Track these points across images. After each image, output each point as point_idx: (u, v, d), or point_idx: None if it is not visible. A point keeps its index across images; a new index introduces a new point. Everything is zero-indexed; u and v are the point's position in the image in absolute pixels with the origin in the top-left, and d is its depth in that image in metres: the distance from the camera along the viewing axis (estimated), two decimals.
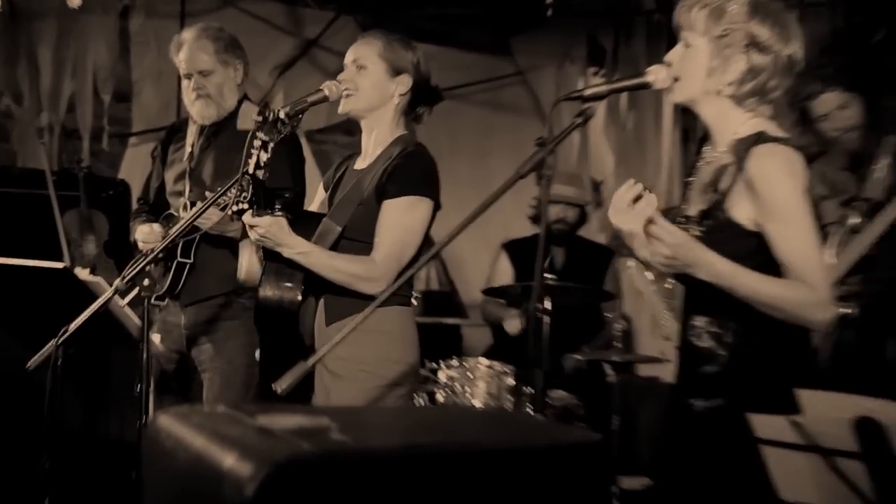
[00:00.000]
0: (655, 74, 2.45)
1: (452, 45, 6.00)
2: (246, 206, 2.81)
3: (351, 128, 6.71)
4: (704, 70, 2.42)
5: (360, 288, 2.92)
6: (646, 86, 2.47)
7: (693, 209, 2.52)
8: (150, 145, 5.89)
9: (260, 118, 2.81)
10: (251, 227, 2.86)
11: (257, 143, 2.78)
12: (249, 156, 2.78)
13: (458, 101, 6.23)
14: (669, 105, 5.90)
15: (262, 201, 2.83)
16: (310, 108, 2.98)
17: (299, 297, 2.97)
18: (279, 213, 2.86)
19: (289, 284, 2.98)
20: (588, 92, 2.41)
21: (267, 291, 2.99)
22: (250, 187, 2.78)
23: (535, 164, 2.34)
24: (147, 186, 3.98)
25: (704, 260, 2.32)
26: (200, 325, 3.68)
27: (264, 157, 2.76)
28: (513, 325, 4.87)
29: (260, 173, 2.76)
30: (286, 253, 2.89)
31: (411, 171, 2.97)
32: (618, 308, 4.55)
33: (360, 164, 3.13)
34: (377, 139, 3.09)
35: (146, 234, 3.60)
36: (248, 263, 3.20)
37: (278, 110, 2.84)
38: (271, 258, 2.96)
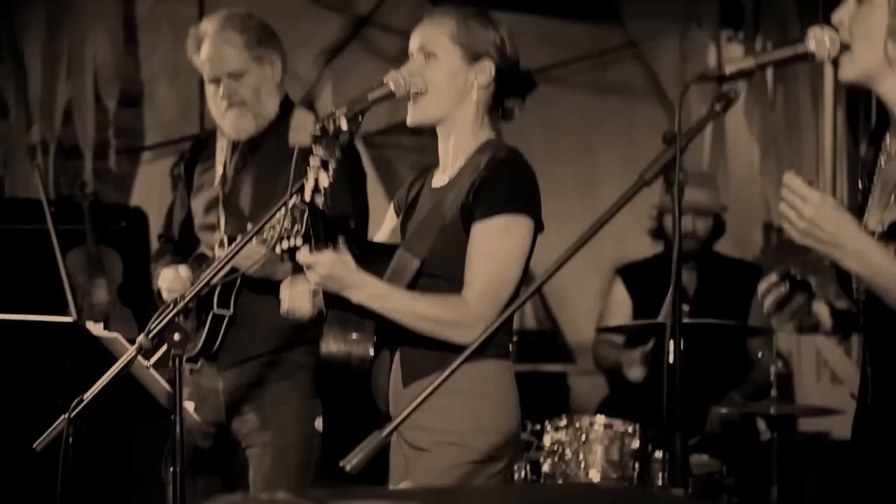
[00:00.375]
0: (818, 41, 2.43)
1: (544, 14, 6.03)
2: (299, 241, 2.84)
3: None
4: (885, 33, 2.41)
5: (451, 337, 2.93)
6: (806, 57, 2.45)
7: (874, 220, 2.50)
8: (167, 161, 6.05)
9: (318, 132, 2.84)
10: (309, 266, 2.90)
11: (315, 161, 2.80)
12: (303, 177, 2.80)
13: (554, 83, 6.26)
14: (831, 79, 5.86)
15: (322, 234, 2.86)
16: (371, 107, 3.01)
17: (371, 352, 3.01)
18: (343, 248, 2.89)
19: (357, 336, 3.01)
20: (730, 69, 2.40)
21: (330, 346, 3.02)
22: (305, 217, 2.81)
23: (663, 165, 2.34)
24: (170, 219, 4.05)
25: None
26: (243, 389, 3.75)
27: (325, 180, 2.79)
28: (636, 370, 4.87)
29: (319, 201, 2.79)
30: (356, 297, 2.92)
31: (504, 185, 2.98)
32: (772, 345, 4.53)
33: (439, 179, 3.15)
34: (457, 147, 3.11)
35: (172, 280, 3.67)
36: (291, 293, 3.22)
37: (340, 118, 2.86)
38: (334, 304, 3.01)
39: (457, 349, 2.91)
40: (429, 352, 2.96)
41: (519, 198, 3.00)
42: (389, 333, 3.00)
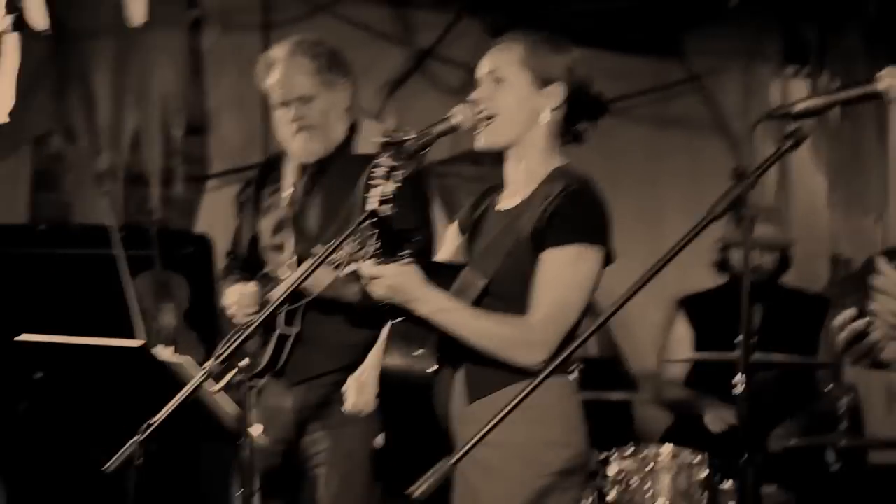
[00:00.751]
0: (891, 84, 2.41)
1: (608, 48, 6.05)
2: (367, 262, 2.86)
3: (479, 156, 6.79)
4: None
5: (513, 357, 2.95)
6: (875, 96, 2.45)
7: None
8: (232, 188, 6.11)
9: (385, 139, 2.87)
10: (373, 278, 2.91)
11: (380, 171, 2.83)
12: (371, 188, 2.82)
13: (617, 116, 6.25)
14: None
15: (388, 245, 2.87)
16: (436, 140, 3.04)
17: (434, 368, 3.01)
18: (408, 260, 2.90)
19: (420, 352, 3.00)
20: (800, 107, 2.41)
21: (393, 360, 3.02)
22: (373, 233, 2.83)
23: (732, 200, 2.36)
24: (237, 239, 4.10)
25: None
26: (311, 408, 3.77)
27: (390, 187, 2.81)
28: (718, 419, 4.82)
29: (385, 209, 2.81)
30: (421, 310, 2.93)
31: (577, 215, 2.99)
32: (839, 376, 4.50)
33: (508, 202, 3.16)
34: (529, 172, 3.12)
35: (239, 299, 3.71)
36: (356, 391, 3.23)
37: (408, 129, 2.89)
38: (396, 313, 3.01)
39: (516, 369, 2.94)
40: (494, 370, 2.97)
41: (592, 228, 3.01)
42: (452, 350, 3.00)
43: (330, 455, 3.73)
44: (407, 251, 2.91)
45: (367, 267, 2.89)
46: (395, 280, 2.89)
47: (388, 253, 2.88)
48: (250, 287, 3.73)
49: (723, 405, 4.79)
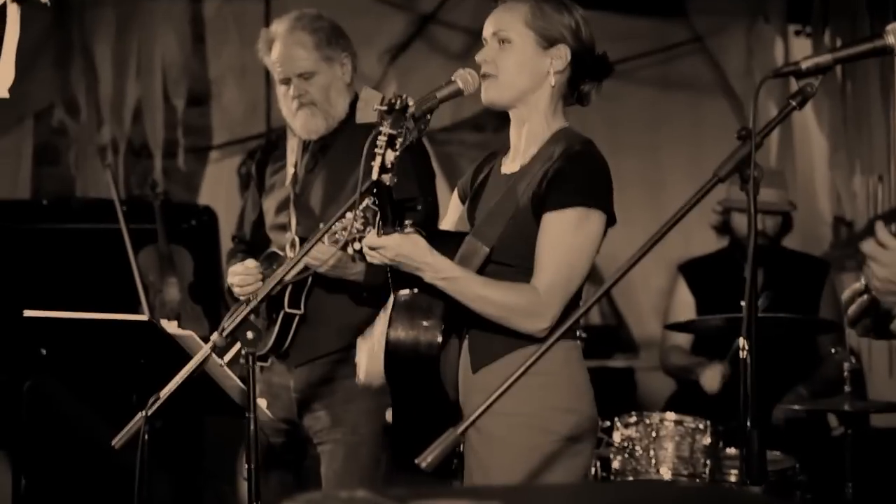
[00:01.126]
0: None
1: (610, 9, 6.02)
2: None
3: (481, 123, 6.81)
4: None
5: (519, 324, 2.95)
6: (884, 51, 2.42)
7: None
8: (234, 160, 6.12)
9: (384, 107, 2.84)
10: (378, 248, 2.89)
11: (382, 139, 2.80)
12: (372, 158, 2.80)
13: (619, 79, 6.21)
14: None
15: (389, 214, 2.86)
16: (439, 105, 3.02)
17: (440, 338, 2.99)
18: (410, 230, 2.89)
19: (426, 322, 3.00)
20: (806, 64, 2.38)
21: (398, 332, 3.00)
22: (374, 204, 2.82)
23: (738, 162, 2.34)
24: (242, 220, 4.09)
25: None
26: (314, 386, 3.78)
27: (391, 156, 2.78)
28: (712, 379, 4.82)
29: (387, 178, 2.78)
30: (428, 277, 2.92)
31: (578, 177, 2.98)
32: (844, 341, 4.49)
33: (509, 166, 3.14)
34: (530, 134, 3.10)
35: (242, 276, 3.71)
36: (368, 362, 3.22)
37: (407, 97, 2.87)
38: (400, 286, 3.01)
39: (521, 336, 2.94)
40: (496, 337, 2.98)
41: (593, 191, 3.00)
42: (458, 319, 3.00)
43: (333, 432, 3.74)
44: (409, 221, 2.90)
45: (371, 238, 2.88)
46: (401, 249, 2.88)
47: (390, 223, 2.87)
48: (250, 262, 3.73)
49: (715, 363, 4.78)
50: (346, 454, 3.72)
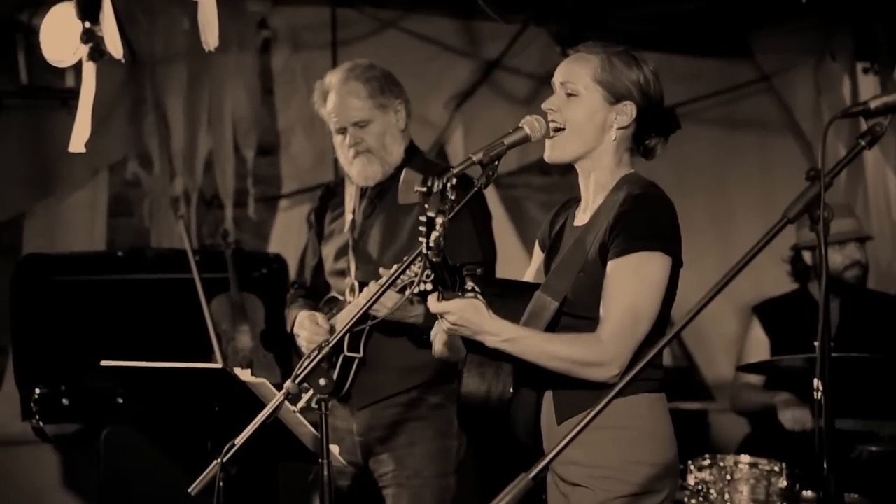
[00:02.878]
0: None
1: (674, 51, 6.03)
2: (430, 286, 2.89)
3: (547, 166, 6.77)
4: None
5: (587, 375, 2.94)
6: None
7: None
8: (304, 208, 6.16)
9: (423, 189, 2.87)
10: (440, 314, 2.94)
11: (422, 219, 2.83)
12: (421, 234, 2.85)
13: (685, 119, 6.19)
14: None
15: (448, 283, 2.90)
16: (507, 151, 3.03)
17: (510, 392, 3.02)
18: (471, 294, 2.92)
19: (495, 377, 3.03)
20: (875, 104, 2.38)
21: (469, 387, 3.05)
22: (430, 267, 2.86)
23: (807, 202, 2.32)
24: (302, 266, 4.15)
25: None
26: (377, 430, 3.80)
27: (433, 235, 2.82)
28: (792, 416, 4.76)
29: (432, 254, 2.82)
30: (489, 342, 2.95)
31: (638, 221, 2.97)
32: None
33: (581, 217, 3.16)
34: (597, 184, 3.12)
35: (310, 331, 3.75)
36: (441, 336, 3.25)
37: (445, 179, 2.88)
38: (473, 347, 3.04)
39: (607, 386, 2.92)
40: (581, 391, 2.97)
41: (654, 234, 2.98)
42: (532, 372, 3.01)
43: (397, 475, 3.76)
44: (470, 286, 2.93)
45: (433, 304, 2.94)
46: (460, 315, 2.92)
47: (450, 289, 2.92)
48: (319, 317, 3.78)
49: (799, 404, 4.72)
50: (411, 497, 3.74)
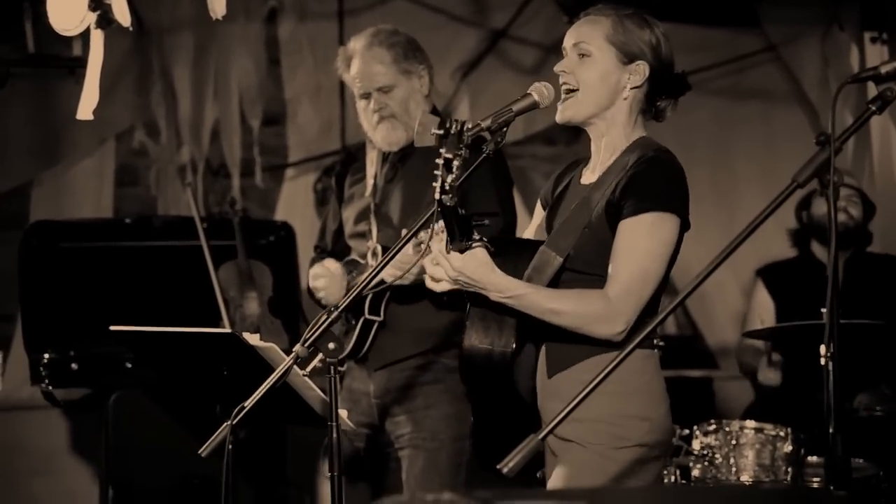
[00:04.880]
0: None
1: (681, 21, 6.00)
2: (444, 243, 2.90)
3: (553, 136, 6.82)
4: None
5: (593, 331, 2.96)
6: None
7: None
8: (310, 177, 6.18)
9: (440, 131, 2.88)
10: (439, 264, 2.94)
11: (439, 161, 2.85)
12: (434, 179, 2.86)
13: (694, 89, 6.19)
14: None
15: (456, 232, 2.90)
16: (515, 118, 3.03)
17: (512, 346, 3.03)
18: (477, 245, 2.92)
19: (499, 331, 3.04)
20: (886, 68, 2.40)
21: (472, 341, 3.05)
22: (442, 213, 2.86)
23: (817, 167, 2.33)
24: (324, 230, 4.17)
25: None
26: (394, 392, 3.82)
27: (448, 178, 2.82)
28: (768, 374, 4.80)
29: (446, 198, 2.83)
30: (493, 296, 2.96)
31: (652, 183, 2.98)
32: None
33: (588, 176, 3.17)
34: (608, 146, 3.12)
35: (325, 281, 3.76)
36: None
37: (462, 122, 2.90)
38: (476, 301, 3.04)
39: (597, 342, 2.95)
40: (571, 345, 3.00)
41: (667, 196, 3.00)
42: (533, 327, 3.02)
43: (413, 438, 3.77)
44: (477, 237, 2.93)
45: (435, 256, 2.94)
46: (462, 267, 2.92)
47: (457, 239, 2.91)
48: (333, 266, 3.78)
49: (772, 361, 4.74)
50: (427, 459, 3.76)
